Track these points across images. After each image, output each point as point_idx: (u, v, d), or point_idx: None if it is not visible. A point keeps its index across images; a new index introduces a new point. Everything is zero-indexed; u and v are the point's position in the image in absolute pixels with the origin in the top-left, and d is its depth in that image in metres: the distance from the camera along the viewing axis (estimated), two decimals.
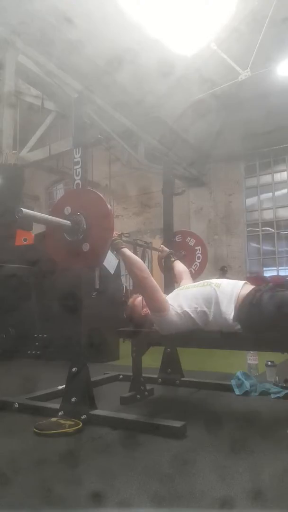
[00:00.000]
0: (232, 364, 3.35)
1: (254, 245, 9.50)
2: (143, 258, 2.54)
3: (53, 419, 2.00)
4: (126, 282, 5.75)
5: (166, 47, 5.58)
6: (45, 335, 4.34)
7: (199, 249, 3.24)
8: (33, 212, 1.98)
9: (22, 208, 1.81)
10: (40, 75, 5.85)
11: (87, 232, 1.99)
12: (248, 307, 1.98)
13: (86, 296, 2.33)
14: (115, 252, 2.27)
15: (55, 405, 2.17)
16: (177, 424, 1.86)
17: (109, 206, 2.02)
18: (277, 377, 2.80)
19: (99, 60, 5.44)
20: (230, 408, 2.44)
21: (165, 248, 2.86)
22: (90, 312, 2.30)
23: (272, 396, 2.54)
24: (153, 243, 3.08)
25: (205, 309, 2.05)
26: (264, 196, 9.49)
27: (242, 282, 2.14)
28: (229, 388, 2.68)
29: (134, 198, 10.22)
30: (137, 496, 1.31)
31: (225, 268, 8.42)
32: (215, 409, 2.45)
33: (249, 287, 2.08)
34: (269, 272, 9.23)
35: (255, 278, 7.54)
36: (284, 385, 2.66)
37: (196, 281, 2.42)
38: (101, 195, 2.04)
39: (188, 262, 3.01)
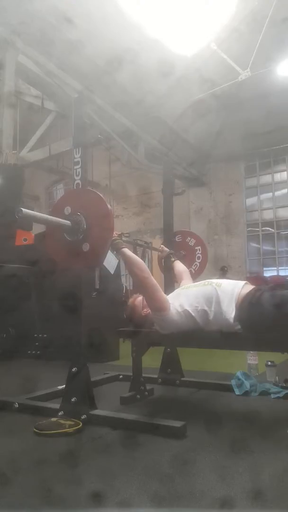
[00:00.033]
0: (232, 364, 3.35)
1: (254, 245, 9.51)
2: (143, 258, 2.54)
3: (53, 419, 2.00)
4: (126, 282, 5.76)
5: (166, 47, 5.58)
6: (45, 335, 4.34)
7: (199, 249, 3.24)
8: (33, 212, 1.98)
9: (22, 208, 1.81)
10: (40, 75, 5.85)
11: (87, 232, 1.99)
12: (247, 307, 1.98)
13: (86, 296, 2.33)
14: (115, 252, 2.27)
15: (55, 405, 2.17)
16: (177, 424, 1.85)
17: (109, 206, 2.02)
18: (277, 377, 2.80)
19: (99, 60, 5.44)
20: (230, 408, 2.44)
21: (165, 248, 2.86)
22: (90, 312, 2.30)
23: (272, 396, 2.54)
24: (153, 243, 3.09)
25: (206, 308, 2.06)
26: (264, 196, 9.49)
27: (243, 282, 2.14)
28: (229, 388, 2.67)
29: (134, 198, 10.22)
30: (137, 496, 1.31)
31: (225, 268, 8.43)
32: (215, 409, 2.45)
33: (250, 287, 2.09)
34: (269, 272, 9.24)
35: (255, 278, 7.54)
36: (284, 385, 2.66)
37: (196, 281, 2.43)
38: (101, 195, 2.04)
39: (188, 262, 3.01)
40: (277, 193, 9.29)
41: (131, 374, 2.61)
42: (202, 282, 2.25)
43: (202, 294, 2.11)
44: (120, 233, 2.24)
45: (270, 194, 9.40)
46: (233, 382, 2.71)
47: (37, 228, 4.45)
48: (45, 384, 2.67)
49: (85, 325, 2.22)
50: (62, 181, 11.42)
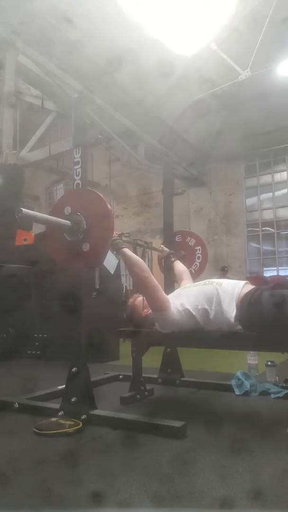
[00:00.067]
0: (232, 364, 3.35)
1: (254, 245, 9.51)
2: (143, 258, 2.53)
3: (53, 419, 2.00)
4: (126, 282, 5.75)
5: (166, 47, 5.58)
6: (45, 335, 4.34)
7: (199, 249, 3.24)
8: (33, 212, 1.98)
9: (22, 208, 1.81)
10: (40, 75, 5.85)
11: (87, 232, 1.99)
12: (247, 306, 1.99)
13: (86, 296, 2.33)
14: (115, 252, 2.27)
15: (55, 405, 2.17)
16: (177, 424, 1.85)
17: (109, 206, 2.02)
18: (277, 377, 2.80)
19: (99, 60, 5.44)
20: (230, 408, 2.44)
21: (165, 248, 2.86)
22: (90, 312, 2.30)
23: (272, 396, 2.54)
24: (153, 243, 3.08)
25: (206, 307, 2.06)
26: (264, 196, 9.49)
27: (244, 282, 2.15)
28: (229, 388, 2.67)
29: (134, 198, 10.22)
30: (137, 496, 1.31)
31: (226, 268, 8.44)
32: (215, 409, 2.45)
33: (250, 287, 2.09)
34: (269, 272, 9.24)
35: (255, 278, 7.54)
36: (284, 385, 2.66)
37: (197, 281, 2.43)
38: (101, 195, 2.04)
39: (188, 262, 3.01)
40: (277, 193, 9.29)
41: (131, 374, 2.61)
42: (203, 281, 2.26)
43: (203, 293, 2.11)
44: (120, 233, 2.23)
45: (270, 194, 9.40)
46: (233, 382, 2.71)
47: (37, 228, 4.45)
48: (45, 384, 2.67)
49: (85, 325, 2.22)
50: (62, 181, 11.42)
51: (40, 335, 4.37)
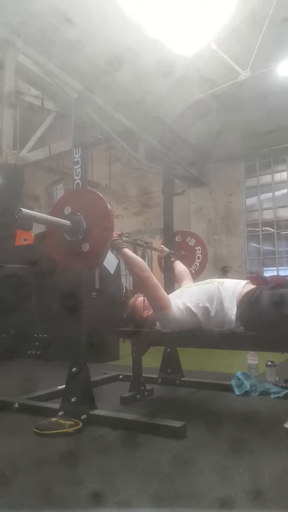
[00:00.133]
0: (232, 364, 3.35)
1: (254, 245, 9.50)
2: (143, 258, 2.53)
3: (53, 419, 2.00)
4: (126, 282, 5.76)
5: (166, 47, 5.58)
6: (45, 335, 4.34)
7: (199, 249, 3.24)
8: (33, 212, 1.98)
9: (22, 208, 1.81)
10: (40, 75, 5.85)
11: (87, 232, 1.99)
12: (247, 306, 1.99)
13: (86, 296, 2.33)
14: (115, 252, 2.27)
15: (55, 405, 2.17)
16: (177, 424, 1.85)
17: (109, 206, 2.02)
18: (277, 377, 2.80)
19: (99, 60, 5.44)
20: (230, 408, 2.44)
21: (165, 248, 2.86)
22: (90, 312, 2.30)
23: (272, 396, 2.54)
24: (153, 243, 3.08)
25: (207, 305, 2.06)
26: (264, 196, 9.49)
27: (245, 281, 2.16)
28: (229, 388, 2.68)
29: (134, 198, 10.22)
30: (137, 496, 1.31)
31: (226, 269, 8.44)
32: (215, 409, 2.45)
33: (250, 286, 2.10)
34: (269, 272, 9.24)
35: (256, 278, 7.54)
36: (284, 385, 2.66)
37: (197, 281, 2.43)
38: (101, 195, 2.04)
39: (188, 262, 3.01)
40: (277, 193, 9.29)
41: (131, 374, 2.61)
42: (204, 281, 2.26)
43: (204, 292, 2.12)
44: (120, 233, 2.23)
45: (270, 194, 9.40)
46: (233, 382, 2.71)
47: (37, 228, 4.45)
48: (45, 384, 2.67)
49: (85, 325, 2.22)
50: (62, 181, 11.42)
51: (40, 335, 4.37)
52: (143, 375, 2.61)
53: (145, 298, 2.23)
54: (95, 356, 3.59)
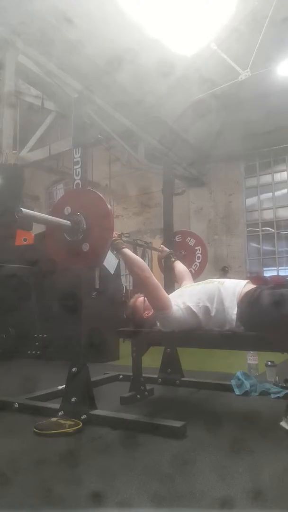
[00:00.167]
0: (232, 364, 3.35)
1: (254, 245, 9.50)
2: (143, 258, 2.54)
3: (53, 419, 2.00)
4: (126, 282, 5.76)
5: (166, 47, 5.58)
6: (45, 335, 4.34)
7: (199, 249, 3.24)
8: (33, 212, 1.98)
9: (22, 208, 1.81)
10: (40, 75, 5.85)
11: (87, 232, 1.99)
12: (247, 306, 1.99)
13: (86, 296, 2.33)
14: (115, 252, 2.27)
15: (55, 405, 2.17)
16: (177, 424, 1.85)
17: (109, 206, 2.02)
18: (277, 377, 2.80)
19: (99, 60, 5.44)
20: (230, 408, 2.44)
21: (165, 248, 2.86)
22: (90, 312, 2.30)
23: (272, 396, 2.53)
24: (153, 243, 3.09)
25: (208, 304, 2.06)
26: (264, 196, 9.49)
27: (245, 281, 2.16)
28: (229, 388, 2.67)
29: (134, 198, 10.22)
30: (137, 496, 1.31)
31: (226, 269, 8.44)
32: (215, 409, 2.45)
33: (251, 286, 2.10)
34: (269, 272, 9.24)
35: (256, 278, 7.54)
36: (284, 385, 2.66)
37: (197, 281, 2.43)
38: (101, 195, 2.04)
39: (188, 262, 3.01)
40: (277, 193, 9.29)
41: (131, 374, 2.61)
42: (205, 281, 2.27)
43: (205, 291, 2.12)
44: (120, 233, 2.24)
45: (270, 194, 9.40)
46: (233, 382, 2.71)
47: (37, 228, 4.45)
48: (45, 384, 2.67)
49: (85, 325, 2.22)
50: (62, 181, 11.42)
51: (40, 335, 4.37)
52: (143, 375, 2.61)
53: (146, 298, 2.23)
54: (95, 356, 3.59)
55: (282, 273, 9.07)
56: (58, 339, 3.64)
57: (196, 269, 3.16)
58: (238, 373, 2.75)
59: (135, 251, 2.46)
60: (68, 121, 4.24)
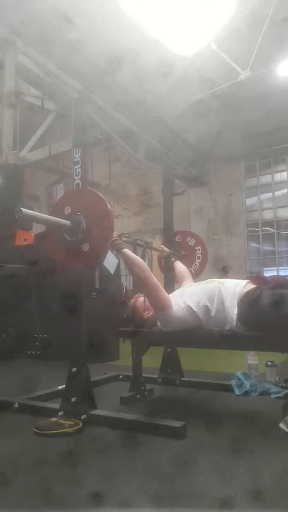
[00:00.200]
0: (232, 364, 3.35)
1: (254, 245, 9.51)
2: (143, 258, 2.54)
3: (53, 419, 2.00)
4: (126, 282, 5.76)
5: (166, 47, 5.58)
6: (45, 335, 4.34)
7: (199, 249, 3.24)
8: (33, 212, 1.98)
9: (22, 208, 1.80)
10: (40, 75, 5.86)
11: (87, 232, 1.99)
12: (247, 306, 1.99)
13: (86, 296, 2.33)
14: (115, 252, 2.27)
15: (55, 405, 2.17)
16: (177, 424, 1.85)
17: (109, 206, 2.02)
18: (277, 377, 2.80)
19: (99, 60, 5.44)
20: (230, 408, 2.44)
21: (165, 248, 2.85)
22: (90, 312, 2.30)
23: (272, 396, 2.53)
24: (153, 243, 3.09)
25: (208, 304, 2.07)
26: (264, 196, 9.49)
27: (245, 281, 2.16)
28: (229, 388, 2.67)
29: (134, 198, 10.22)
30: (137, 496, 1.31)
31: (226, 269, 8.44)
32: (215, 409, 2.45)
33: (251, 286, 2.10)
34: (269, 272, 9.24)
35: (256, 278, 7.54)
36: (284, 385, 2.66)
37: (197, 281, 2.43)
38: (101, 195, 2.04)
39: (188, 262, 3.01)
40: (277, 193, 9.29)
41: (131, 374, 2.61)
42: (205, 280, 2.27)
43: (205, 291, 2.12)
44: (120, 233, 2.24)
45: (270, 194, 9.40)
46: (233, 382, 2.70)
47: (37, 228, 4.45)
48: (45, 384, 2.67)
49: (85, 325, 2.22)
50: (62, 181, 11.43)
51: (40, 335, 4.37)
52: (143, 375, 2.61)
53: (146, 298, 2.23)
54: (95, 356, 3.59)
55: (282, 273, 9.07)
56: (58, 339, 3.64)
57: (196, 269, 3.16)
58: (238, 373, 2.75)
59: (135, 251, 2.46)
60: (68, 121, 4.24)
